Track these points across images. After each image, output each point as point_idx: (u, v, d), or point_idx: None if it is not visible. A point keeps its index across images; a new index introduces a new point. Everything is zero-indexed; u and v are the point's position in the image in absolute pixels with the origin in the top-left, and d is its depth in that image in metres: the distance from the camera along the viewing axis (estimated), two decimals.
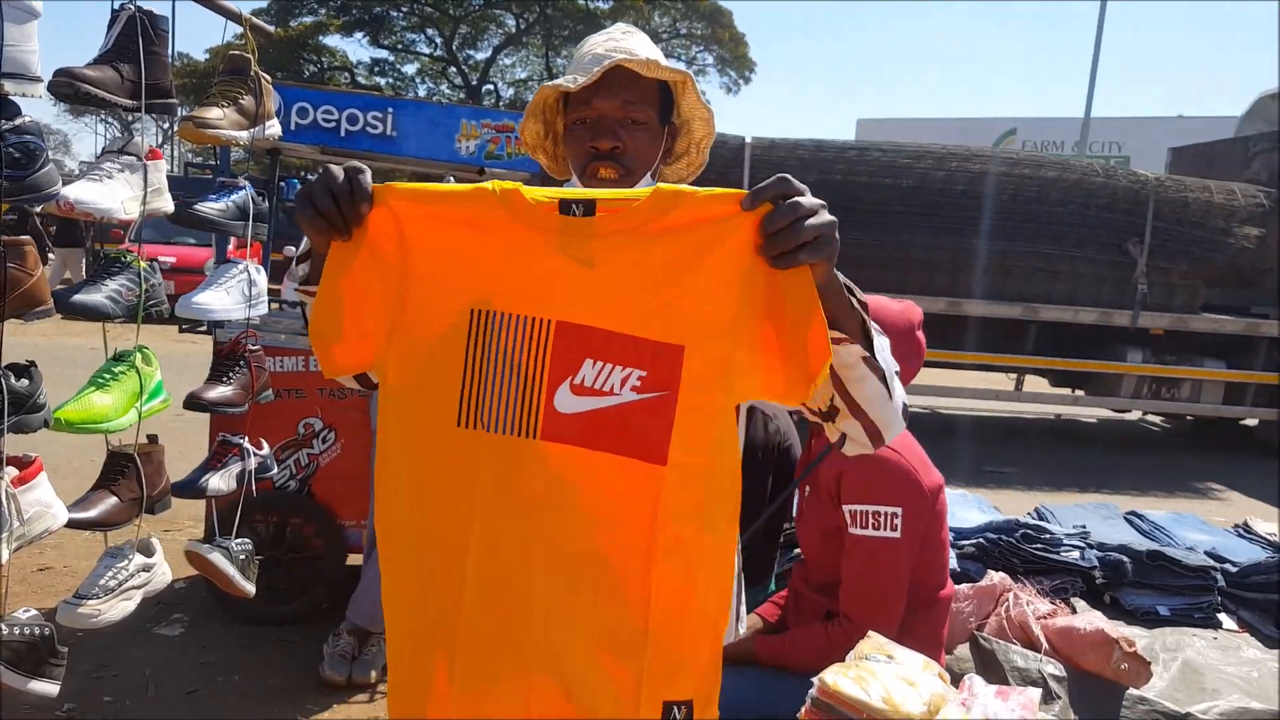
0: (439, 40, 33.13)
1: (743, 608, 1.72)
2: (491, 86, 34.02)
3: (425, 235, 1.31)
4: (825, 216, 1.21)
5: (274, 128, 2.75)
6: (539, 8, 30.93)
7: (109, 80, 2.08)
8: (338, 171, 1.28)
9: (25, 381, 2.02)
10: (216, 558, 2.60)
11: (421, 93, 33.04)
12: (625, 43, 1.55)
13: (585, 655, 1.30)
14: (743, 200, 1.23)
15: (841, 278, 1.31)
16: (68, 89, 2.01)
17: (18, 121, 1.90)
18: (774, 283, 1.24)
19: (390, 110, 4.65)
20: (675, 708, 1.31)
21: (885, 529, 2.09)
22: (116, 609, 2.31)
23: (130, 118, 2.25)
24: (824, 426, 1.46)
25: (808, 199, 1.21)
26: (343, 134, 4.56)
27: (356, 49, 50.06)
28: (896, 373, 1.39)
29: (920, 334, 2.28)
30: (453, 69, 33.86)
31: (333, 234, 1.30)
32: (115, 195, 2.12)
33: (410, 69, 34.41)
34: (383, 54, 33.50)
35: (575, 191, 1.29)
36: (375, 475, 1.36)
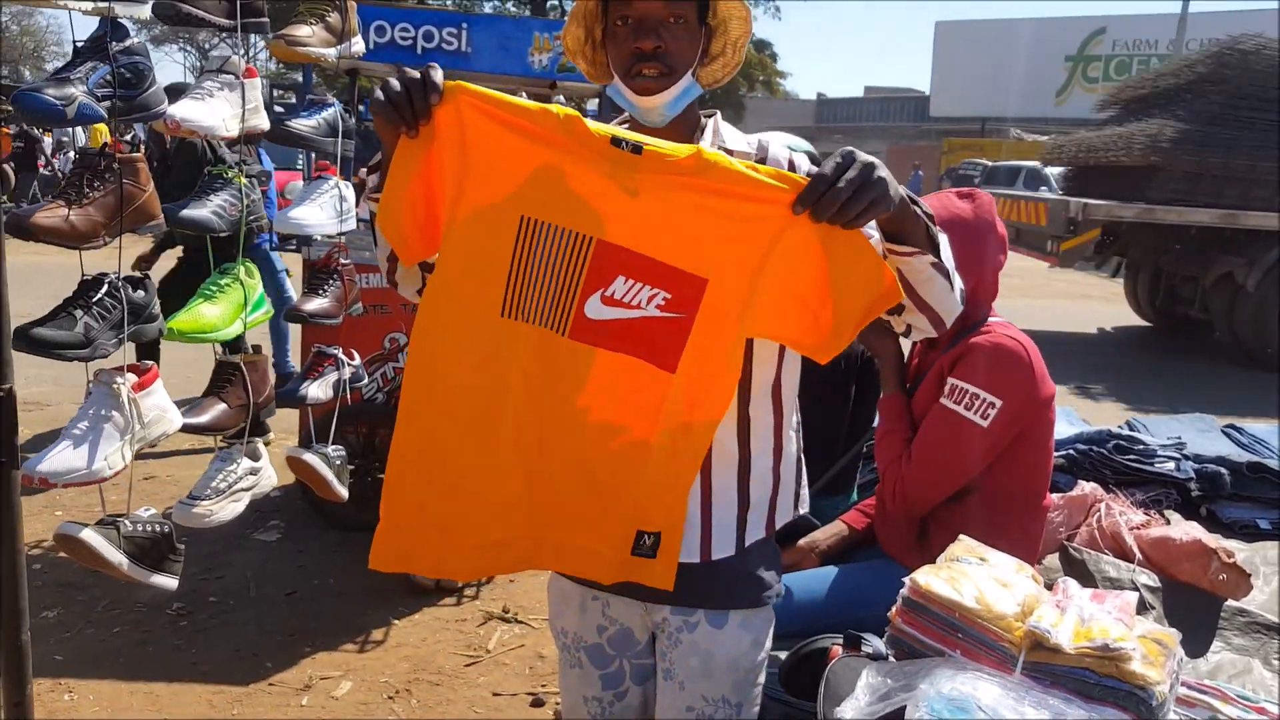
0: None
1: (803, 489, 1.77)
2: (556, 1, 33.48)
3: (487, 139, 1.42)
4: (873, 177, 1.33)
5: (358, 44, 2.77)
6: None
7: (207, 2, 2.13)
8: (412, 71, 1.40)
9: (141, 293, 2.12)
10: (315, 461, 2.71)
11: (487, 8, 32.67)
12: None
13: (585, 498, 1.53)
14: (793, 205, 1.37)
15: (904, 190, 1.41)
16: (170, 9, 2.06)
17: (128, 43, 1.96)
18: (820, 245, 1.38)
19: (465, 26, 4.63)
20: (645, 535, 1.55)
21: (976, 414, 2.09)
22: (227, 509, 2.43)
23: (209, 46, 2.29)
24: (890, 321, 1.58)
25: (848, 174, 1.34)
26: (419, 51, 4.56)
27: None
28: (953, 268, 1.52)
29: (1000, 225, 2.25)
30: None
31: (402, 126, 1.40)
32: (217, 113, 2.18)
33: None
34: None
35: (626, 133, 1.42)
36: (411, 346, 1.51)
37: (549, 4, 32.49)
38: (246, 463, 2.47)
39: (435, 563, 1.62)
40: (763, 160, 1.62)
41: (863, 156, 1.36)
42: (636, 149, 1.39)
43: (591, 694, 1.80)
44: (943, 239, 1.52)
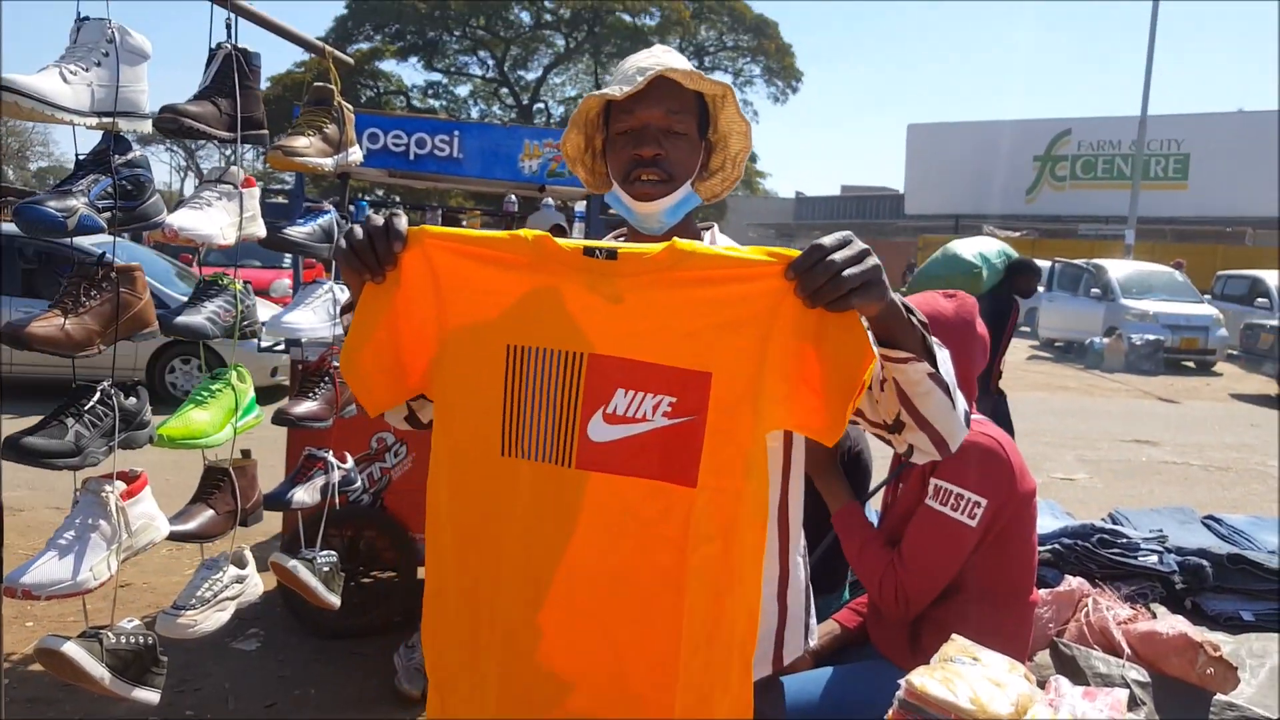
0: (491, 62, 33.67)
1: (812, 620, 1.72)
2: (543, 105, 34.42)
3: (461, 276, 1.40)
4: (868, 261, 1.27)
5: (356, 154, 2.85)
6: (587, 27, 31.28)
7: (209, 115, 2.20)
8: (375, 217, 1.41)
9: (133, 400, 2.13)
10: (300, 570, 2.68)
11: (475, 114, 33.55)
12: (666, 59, 1.60)
13: (619, 682, 1.36)
14: (785, 272, 1.30)
15: (899, 298, 1.35)
16: (173, 124, 2.12)
17: (129, 156, 2.02)
18: (814, 323, 1.30)
19: (456, 133, 4.76)
20: None
21: (963, 514, 2.12)
22: (212, 619, 2.40)
23: (196, 146, 2.36)
24: (891, 439, 1.49)
25: (844, 251, 1.28)
26: (411, 157, 4.67)
27: (411, 73, 51.14)
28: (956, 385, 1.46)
29: (981, 326, 2.31)
30: (504, 89, 34.35)
31: (365, 273, 1.39)
32: (215, 221, 2.23)
33: (463, 91, 35.03)
34: (437, 77, 34.12)
35: (598, 242, 1.42)
36: (427, 501, 1.46)
37: (535, 108, 33.36)
38: (233, 570, 2.45)
39: None
40: None
41: (860, 242, 1.30)
42: (611, 254, 1.36)
43: None
44: (944, 354, 1.43)
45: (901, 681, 1.62)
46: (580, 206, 8.06)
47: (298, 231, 2.61)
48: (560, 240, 1.39)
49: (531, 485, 1.37)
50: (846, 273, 1.26)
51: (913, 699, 1.59)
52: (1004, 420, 5.06)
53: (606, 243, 1.41)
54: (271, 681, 3.97)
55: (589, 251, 1.37)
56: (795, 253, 1.31)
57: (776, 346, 1.32)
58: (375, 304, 1.42)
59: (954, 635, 1.80)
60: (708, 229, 1.73)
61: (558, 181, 4.97)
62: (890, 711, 1.63)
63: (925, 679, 1.60)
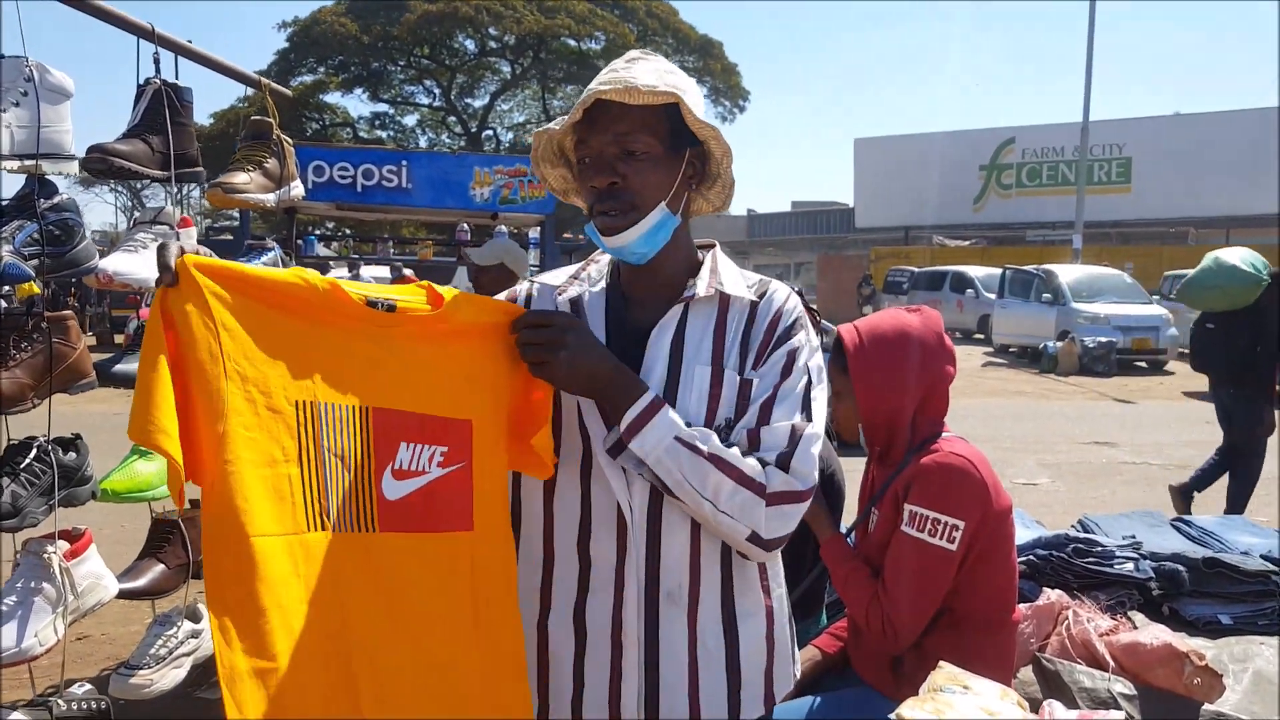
0: (437, 91, 33.57)
1: (795, 649, 1.68)
2: (491, 132, 34.39)
3: (242, 320, 1.25)
4: (552, 354, 1.42)
5: (298, 188, 2.77)
6: (532, 53, 31.34)
7: (140, 153, 2.11)
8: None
9: (73, 455, 2.03)
10: None
11: (423, 143, 33.41)
12: (625, 72, 1.48)
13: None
14: (512, 324, 1.46)
15: (602, 373, 1.45)
16: (101, 164, 2.03)
17: (55, 200, 1.93)
18: (527, 377, 1.47)
19: (404, 163, 4.72)
20: None
21: (941, 538, 2.06)
22: (168, 677, 2.31)
23: (141, 186, 2.27)
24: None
25: (531, 332, 1.44)
26: (359, 189, 4.61)
27: (356, 104, 50.74)
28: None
29: (948, 339, 2.27)
30: (452, 118, 34.28)
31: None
32: (150, 265, 2.13)
33: (410, 120, 34.88)
34: (383, 108, 33.96)
35: (379, 289, 1.42)
36: (208, 586, 1.24)
37: (484, 134, 33.34)
38: (187, 625, 2.35)
39: None
40: (760, 298, 1.55)
41: (577, 332, 1.44)
42: (390, 307, 1.38)
43: None
44: (659, 423, 1.43)
45: (891, 716, 1.55)
46: (534, 233, 8.03)
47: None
48: (348, 286, 1.36)
49: (341, 558, 1.30)
50: (527, 350, 1.44)
51: None
52: None
53: (386, 295, 1.41)
54: None
55: (371, 303, 1.37)
56: (522, 311, 1.50)
57: (507, 397, 1.47)
58: (156, 350, 1.19)
59: (941, 663, 1.74)
60: (709, 249, 1.63)
61: (510, 209, 4.93)
62: None
63: (916, 712, 1.53)
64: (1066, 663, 2.29)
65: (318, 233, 6.93)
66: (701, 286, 1.54)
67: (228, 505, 1.20)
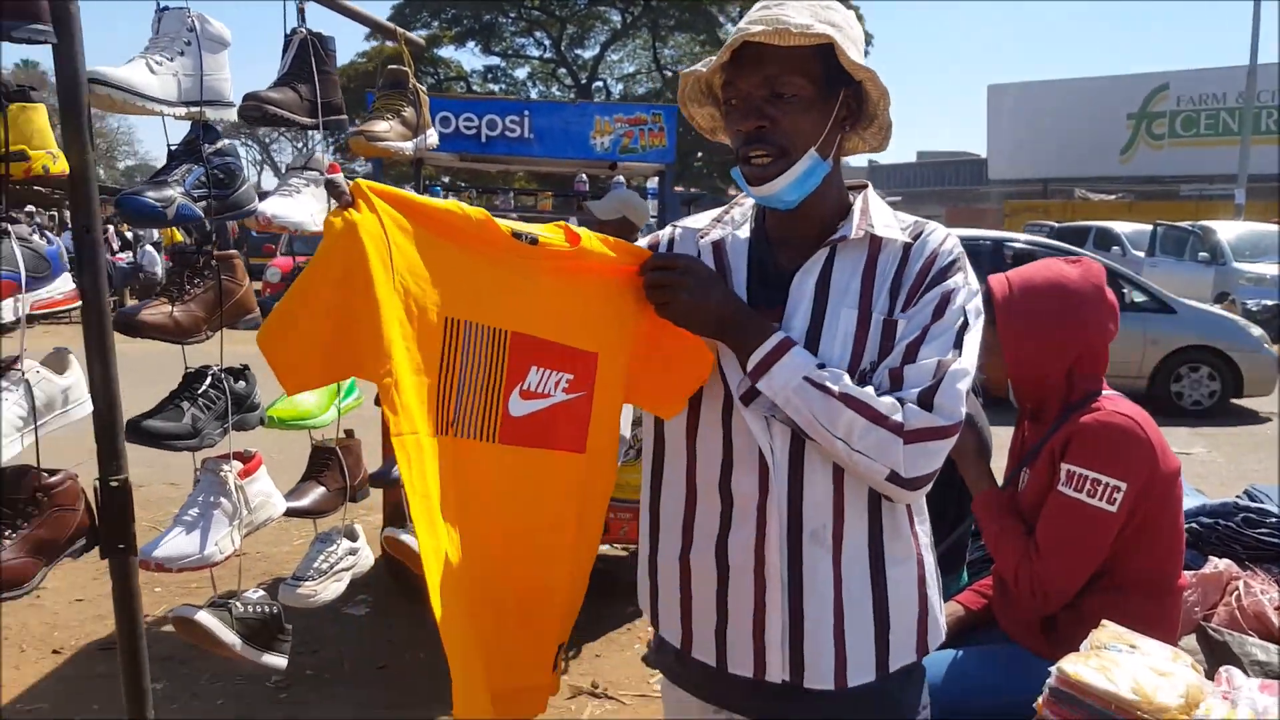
0: (547, 42, 33.66)
1: (942, 602, 1.64)
2: (601, 83, 34.34)
3: (409, 239, 1.36)
4: (674, 295, 1.47)
5: (432, 137, 2.89)
6: (643, 1, 31.01)
7: (290, 101, 2.24)
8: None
9: (242, 383, 2.21)
10: (412, 541, 2.75)
11: (534, 95, 33.60)
12: (777, 9, 1.42)
13: (528, 628, 1.58)
14: (640, 266, 1.52)
15: (734, 317, 1.48)
16: (256, 111, 2.17)
17: (219, 145, 2.08)
18: (657, 320, 1.52)
19: (527, 113, 4.79)
20: (561, 648, 1.66)
21: (1101, 499, 1.97)
22: (330, 589, 2.48)
23: (269, 140, 2.40)
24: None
25: (658, 274, 1.49)
26: (483, 140, 4.71)
27: (469, 58, 51.22)
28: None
29: (1109, 293, 2.15)
30: (562, 70, 34.33)
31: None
32: (305, 208, 2.29)
33: (521, 73, 35.10)
34: (495, 61, 34.26)
35: (524, 226, 1.49)
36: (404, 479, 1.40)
37: (594, 86, 33.29)
38: (345, 543, 2.53)
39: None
40: (915, 238, 1.51)
41: (697, 274, 1.47)
42: (533, 240, 1.46)
43: None
44: (792, 363, 1.43)
45: (1052, 669, 1.52)
46: (652, 184, 8.04)
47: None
48: (500, 221, 1.45)
49: (461, 462, 1.43)
50: (651, 292, 1.49)
51: (1066, 688, 1.48)
52: None
53: (531, 227, 1.49)
54: (382, 645, 4.13)
55: (516, 235, 1.46)
56: (648, 253, 1.55)
57: (640, 333, 1.55)
58: (325, 265, 1.32)
59: (1105, 622, 1.67)
60: (860, 190, 1.58)
61: (630, 158, 4.94)
62: (1040, 699, 1.53)
63: (1079, 666, 1.49)
64: (1236, 634, 2.16)
65: (444, 180, 7.11)
66: (850, 229, 1.50)
67: (391, 404, 1.33)
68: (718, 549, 1.53)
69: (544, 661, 1.63)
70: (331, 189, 1.34)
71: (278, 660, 2.23)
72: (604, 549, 3.38)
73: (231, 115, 2.17)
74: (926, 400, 1.40)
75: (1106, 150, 35.57)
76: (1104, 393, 2.13)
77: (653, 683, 3.80)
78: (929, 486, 1.45)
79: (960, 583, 2.62)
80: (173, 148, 2.08)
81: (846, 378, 1.42)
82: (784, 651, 1.50)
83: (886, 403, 1.40)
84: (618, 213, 4.43)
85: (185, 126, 2.10)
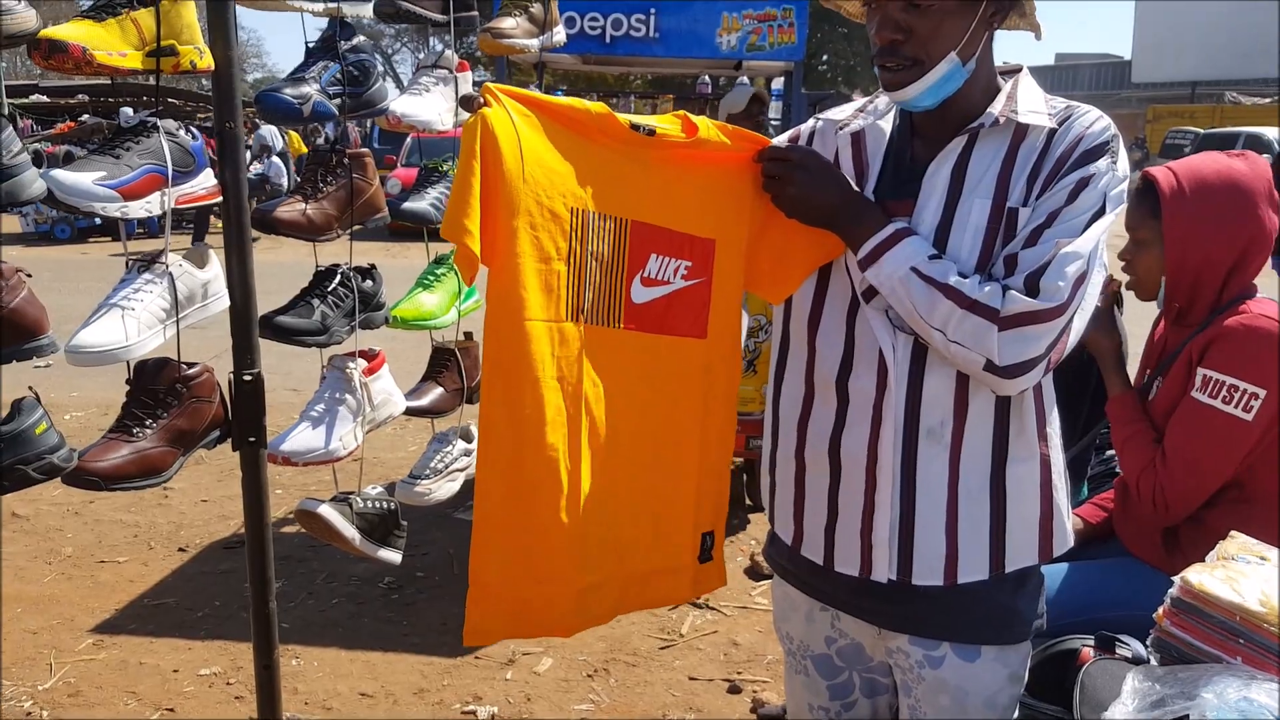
0: None
1: (1070, 508, 1.60)
2: None
3: (536, 134, 1.42)
4: (784, 187, 1.50)
5: (560, 34, 2.82)
6: None
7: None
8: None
9: (369, 282, 2.24)
10: (329, 514, 2.74)
11: None
12: None
13: (659, 511, 1.63)
14: (756, 154, 1.55)
15: (844, 207, 1.48)
16: (390, 7, 2.16)
17: (354, 41, 2.06)
18: (773, 207, 1.56)
19: (653, 12, 4.65)
20: (707, 537, 1.70)
21: (1237, 407, 1.89)
22: (444, 489, 2.54)
23: (392, 51, 2.36)
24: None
25: (773, 164, 1.51)
26: (607, 40, 4.61)
27: None
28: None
29: (1276, 190, 2.03)
30: None
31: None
32: (434, 107, 2.27)
33: None
34: None
35: (642, 119, 1.52)
36: (485, 366, 1.48)
37: None
38: (461, 444, 2.57)
39: (538, 621, 1.58)
40: (1061, 123, 1.43)
41: (807, 167, 1.49)
42: (650, 132, 1.50)
43: (818, 703, 1.73)
44: (903, 250, 1.42)
45: (1176, 579, 1.48)
46: (778, 84, 7.80)
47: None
48: (619, 115, 1.48)
49: (592, 347, 1.50)
50: (767, 182, 1.53)
51: (1190, 598, 1.45)
52: None
53: (648, 121, 1.51)
54: None
55: (634, 127, 1.49)
56: (767, 141, 1.57)
57: (750, 223, 1.58)
58: (470, 158, 1.37)
59: (1233, 533, 1.62)
60: (1014, 73, 1.53)
61: (758, 56, 4.78)
62: (1161, 610, 1.50)
63: (1205, 577, 1.45)
64: None
65: (563, 88, 7.06)
66: (990, 116, 1.44)
67: (511, 290, 1.41)
68: (831, 447, 1.54)
69: (680, 544, 1.67)
70: (465, 103, 1.41)
71: (393, 555, 2.30)
72: None
73: (367, 10, 2.16)
74: (1032, 284, 1.35)
75: (1262, 51, 33.16)
76: (1255, 295, 2.04)
77: (754, 594, 3.84)
78: (1035, 375, 1.39)
79: (1081, 496, 2.57)
80: (310, 44, 2.08)
81: (954, 268, 1.40)
82: (891, 549, 1.50)
83: (986, 290, 1.36)
84: (743, 103, 4.35)
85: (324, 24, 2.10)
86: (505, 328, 1.42)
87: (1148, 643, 1.54)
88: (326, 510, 2.14)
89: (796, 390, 1.60)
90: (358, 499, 2.26)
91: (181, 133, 1.80)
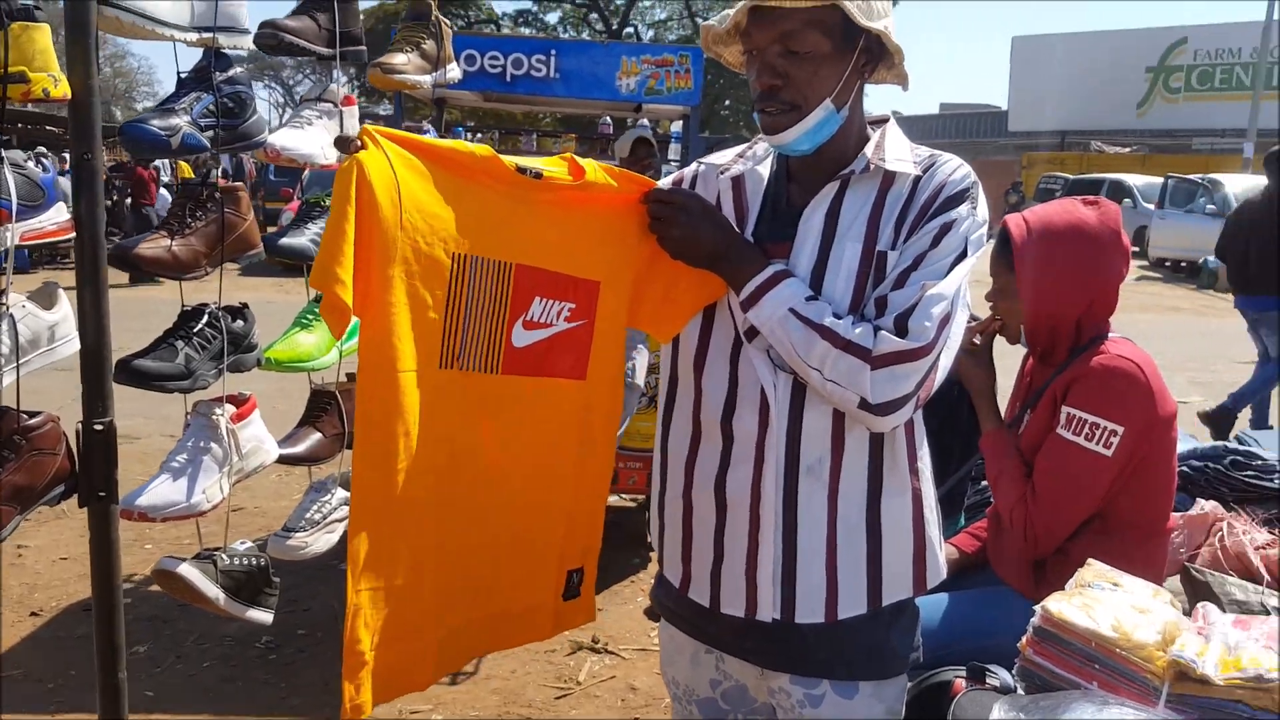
0: None
1: (942, 541, 1.65)
2: (633, 29, 33.79)
3: (415, 178, 1.40)
4: (667, 228, 1.53)
5: (454, 71, 2.77)
6: None
7: (308, 30, 2.14)
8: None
9: (240, 322, 2.12)
10: (190, 573, 2.64)
11: (563, 38, 33.06)
12: None
13: (521, 551, 1.63)
14: (641, 197, 1.57)
15: (725, 247, 1.52)
16: (272, 39, 2.07)
17: (230, 73, 1.97)
18: (657, 249, 1.57)
19: (553, 52, 4.64)
20: (574, 574, 1.72)
21: (1098, 443, 1.98)
22: (322, 541, 2.41)
23: (293, 83, 2.29)
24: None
25: (664, 208, 1.53)
26: (508, 78, 4.57)
27: (500, 1, 50.48)
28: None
29: (1125, 236, 2.14)
30: (594, 15, 33.77)
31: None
32: (316, 140, 2.18)
33: (553, 18, 34.51)
34: (526, 4, 33.72)
35: (529, 161, 1.53)
36: (356, 421, 1.43)
37: (625, 32, 32.81)
38: (340, 493, 2.45)
39: (401, 681, 1.54)
40: (925, 171, 1.49)
41: (689, 209, 1.52)
42: (537, 175, 1.50)
43: None
44: (780, 294, 1.46)
45: (1036, 608, 1.54)
46: (676, 127, 7.88)
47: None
48: (504, 158, 1.48)
49: (464, 394, 1.48)
50: (651, 223, 1.55)
51: (1049, 626, 1.51)
52: None
53: (534, 164, 1.52)
54: None
55: (520, 170, 1.49)
56: (653, 184, 1.60)
57: (643, 260, 1.59)
58: (344, 203, 1.33)
59: (1090, 560, 1.70)
60: (881, 124, 1.57)
61: (656, 99, 4.82)
62: (1024, 639, 1.55)
63: (1063, 605, 1.51)
64: (1218, 574, 2.19)
65: (468, 124, 6.98)
66: (861, 163, 1.49)
67: (385, 340, 1.37)
68: (716, 487, 1.55)
69: (545, 582, 1.67)
70: (341, 144, 1.36)
71: (263, 615, 2.17)
72: (611, 499, 3.38)
73: (247, 43, 2.07)
74: (901, 325, 1.40)
75: (1124, 103, 35.75)
76: (1110, 335, 2.13)
77: (653, 636, 3.77)
78: (906, 412, 1.43)
79: (957, 526, 2.65)
80: (183, 75, 1.98)
81: (829, 309, 1.44)
82: (775, 588, 1.51)
83: (859, 331, 1.41)
84: (628, 147, 4.44)
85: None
86: (377, 381, 1.39)
87: (1013, 671, 1.57)
88: (187, 569, 2.00)
89: (684, 430, 1.61)
90: (223, 555, 2.12)
91: (30, 164, 1.68)
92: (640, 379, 4.11)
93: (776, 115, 1.47)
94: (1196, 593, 2.17)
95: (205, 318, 2.06)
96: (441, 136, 4.33)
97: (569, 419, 1.63)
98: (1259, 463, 2.79)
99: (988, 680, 1.71)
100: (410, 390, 1.40)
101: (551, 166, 1.54)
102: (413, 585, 1.47)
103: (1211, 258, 15.83)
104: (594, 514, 1.72)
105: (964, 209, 1.46)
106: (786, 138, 1.48)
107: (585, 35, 33.28)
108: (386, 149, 1.36)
